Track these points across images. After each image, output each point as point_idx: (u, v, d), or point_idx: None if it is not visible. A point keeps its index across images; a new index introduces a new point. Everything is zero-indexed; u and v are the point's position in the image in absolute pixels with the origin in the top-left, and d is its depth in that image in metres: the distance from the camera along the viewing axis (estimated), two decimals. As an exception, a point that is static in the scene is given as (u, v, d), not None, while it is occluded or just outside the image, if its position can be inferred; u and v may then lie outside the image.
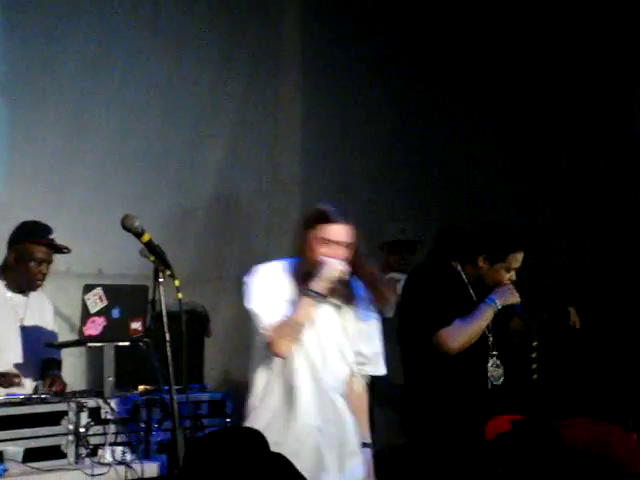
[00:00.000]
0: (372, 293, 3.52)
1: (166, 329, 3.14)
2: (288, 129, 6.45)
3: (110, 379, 3.86)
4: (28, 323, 4.44)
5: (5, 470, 3.45)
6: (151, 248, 3.20)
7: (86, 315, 3.97)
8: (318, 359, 3.50)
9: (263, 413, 3.50)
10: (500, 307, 4.00)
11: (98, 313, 3.97)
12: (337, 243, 3.42)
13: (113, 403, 3.78)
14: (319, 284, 3.39)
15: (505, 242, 4.04)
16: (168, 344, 3.13)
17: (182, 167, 5.92)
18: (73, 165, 5.42)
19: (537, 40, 6.84)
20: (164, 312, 3.15)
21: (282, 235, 6.19)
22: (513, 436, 3.54)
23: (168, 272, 3.22)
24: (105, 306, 3.98)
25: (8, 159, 5.29)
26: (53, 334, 4.52)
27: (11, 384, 4.14)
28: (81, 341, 4.06)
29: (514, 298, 4.02)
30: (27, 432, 3.58)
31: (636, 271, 6.43)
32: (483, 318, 4.00)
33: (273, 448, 2.26)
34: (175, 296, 3.26)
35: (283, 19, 6.47)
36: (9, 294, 4.42)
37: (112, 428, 3.74)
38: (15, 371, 4.27)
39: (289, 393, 3.49)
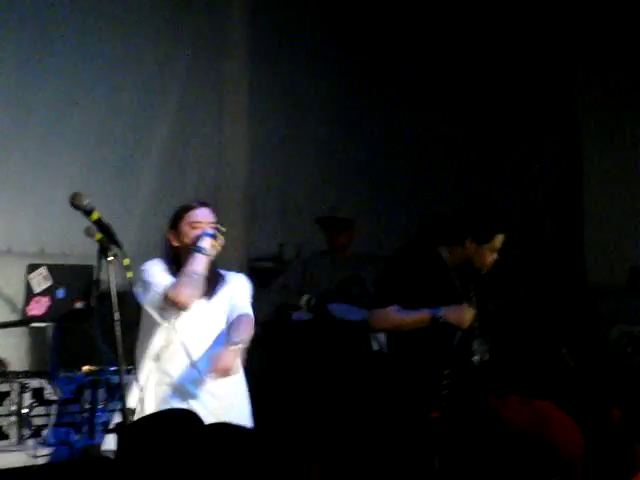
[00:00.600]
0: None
1: (115, 308, 3.10)
2: (234, 110, 6.40)
3: (54, 359, 3.81)
4: None
5: (-53, 451, 3.40)
6: (101, 226, 3.15)
7: (30, 295, 3.91)
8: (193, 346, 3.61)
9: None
10: (441, 321, 4.00)
11: (42, 293, 3.91)
12: (205, 223, 3.72)
13: (57, 383, 3.73)
14: (204, 242, 3.65)
15: (491, 223, 4.09)
16: (117, 323, 3.09)
17: (126, 145, 5.84)
18: (14, 142, 5.31)
19: (486, 30, 6.89)
20: (114, 291, 3.11)
21: (225, 214, 6.16)
22: (448, 414, 3.58)
23: (114, 251, 3.17)
24: (49, 286, 3.92)
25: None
26: None
27: None
28: (25, 321, 4.00)
29: (463, 323, 4.02)
30: (-31, 413, 3.52)
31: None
32: (419, 321, 4.00)
33: None
34: (123, 275, 3.22)
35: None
36: None
37: (56, 409, 3.69)
38: None
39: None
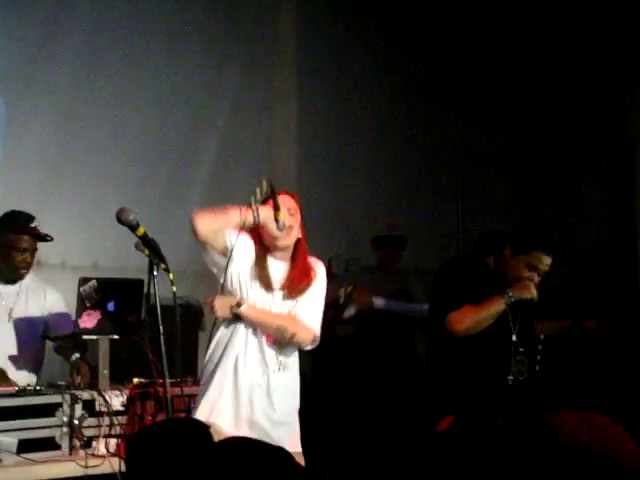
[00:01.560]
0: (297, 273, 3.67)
1: (160, 322, 3.15)
2: (283, 123, 6.46)
3: (105, 372, 3.87)
4: (18, 313, 4.42)
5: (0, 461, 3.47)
6: (146, 241, 3.21)
7: (81, 308, 3.97)
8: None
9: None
10: (513, 299, 4.04)
11: (93, 306, 3.98)
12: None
13: (107, 395, 3.79)
14: (266, 213, 3.57)
15: (532, 237, 4.10)
16: (162, 337, 3.15)
17: (177, 160, 5.93)
18: (68, 157, 5.43)
19: (534, 41, 6.84)
20: (158, 305, 3.16)
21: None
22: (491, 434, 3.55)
23: (163, 266, 3.23)
24: (100, 299, 3.99)
25: (3, 151, 5.29)
26: (56, 319, 4.45)
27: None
28: (76, 334, 4.07)
29: (529, 293, 4.05)
30: (21, 423, 3.59)
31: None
32: (493, 305, 4.04)
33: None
34: (170, 290, 3.27)
35: (279, 13, 6.48)
36: None
37: (106, 420, 3.75)
38: (8, 364, 4.27)
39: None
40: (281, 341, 3.58)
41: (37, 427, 3.63)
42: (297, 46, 6.49)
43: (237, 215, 3.54)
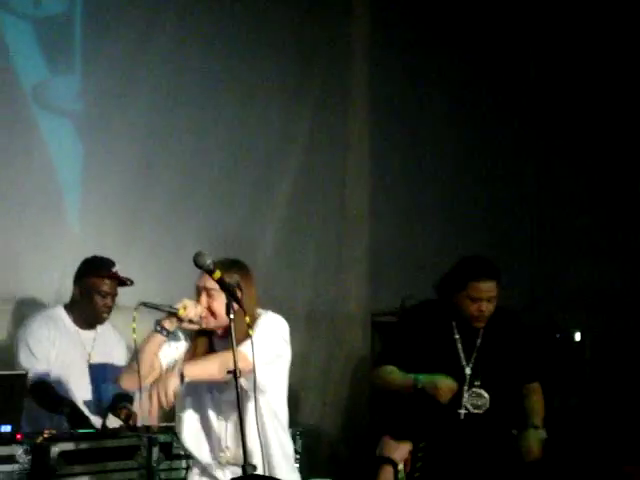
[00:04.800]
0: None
1: (238, 366, 3.16)
2: (357, 165, 6.48)
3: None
4: (96, 358, 4.51)
5: (79, 504, 3.51)
6: (223, 285, 3.23)
7: (157, 350, 3.99)
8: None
9: None
10: (419, 387, 4.00)
11: (170, 348, 3.99)
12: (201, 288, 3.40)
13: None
14: (169, 322, 3.38)
15: (464, 270, 4.06)
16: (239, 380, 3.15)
17: (252, 204, 5.98)
18: (144, 201, 5.51)
19: (609, 61, 6.75)
20: (234, 347, 3.17)
21: (348, 269, 6.21)
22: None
23: (239, 309, 3.24)
24: (177, 341, 4.00)
25: (81, 195, 5.40)
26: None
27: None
28: (153, 376, 4.09)
29: (439, 396, 3.97)
30: (100, 466, 3.63)
31: None
32: (400, 385, 4.05)
33: None
34: (245, 331, 3.28)
35: (352, 54, 6.53)
36: (77, 329, 4.50)
37: (183, 463, 3.77)
38: (84, 409, 4.33)
39: None
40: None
41: (116, 470, 3.65)
42: (370, 85, 6.53)
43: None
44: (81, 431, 3.90)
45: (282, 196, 6.11)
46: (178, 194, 5.63)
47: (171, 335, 3.41)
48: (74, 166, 5.36)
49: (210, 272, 3.22)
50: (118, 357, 4.58)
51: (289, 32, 6.17)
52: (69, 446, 3.59)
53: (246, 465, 3.09)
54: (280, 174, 6.11)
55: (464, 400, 4.04)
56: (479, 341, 4.11)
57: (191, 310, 3.35)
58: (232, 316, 3.19)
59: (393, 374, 4.07)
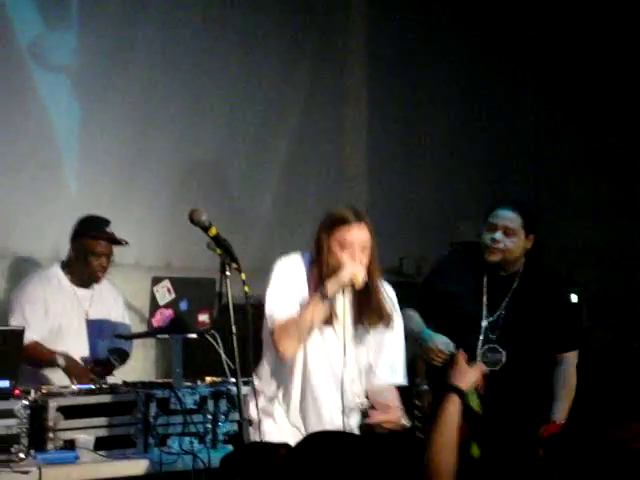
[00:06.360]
0: (369, 305, 3.42)
1: (233, 322, 3.17)
2: (353, 125, 6.47)
3: (178, 370, 3.92)
4: (93, 316, 4.55)
5: (77, 458, 3.54)
6: (218, 242, 3.23)
7: (154, 307, 4.02)
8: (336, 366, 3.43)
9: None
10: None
11: (166, 305, 4.02)
12: (355, 244, 3.34)
13: (181, 394, 3.84)
14: (333, 286, 3.32)
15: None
16: (235, 337, 3.17)
17: (248, 162, 5.98)
18: (141, 159, 5.51)
19: (608, 36, 6.71)
20: (231, 305, 3.18)
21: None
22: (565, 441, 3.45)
23: (235, 265, 3.25)
24: (173, 298, 4.03)
25: (78, 154, 5.40)
26: (123, 325, 4.61)
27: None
28: (149, 333, 4.12)
29: (428, 358, 3.86)
30: (98, 421, 3.65)
31: None
32: (408, 331, 3.77)
33: None
34: (242, 289, 3.29)
35: (349, 15, 6.49)
36: (74, 288, 4.52)
37: (180, 418, 3.80)
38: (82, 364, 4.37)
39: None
40: None
41: (113, 425, 3.68)
42: (367, 46, 6.49)
43: (309, 313, 3.32)
44: (79, 386, 3.93)
45: (280, 152, 6.10)
46: (175, 151, 5.62)
47: None
48: (71, 124, 5.36)
49: (206, 228, 3.23)
50: (115, 314, 4.62)
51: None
52: (67, 401, 3.62)
53: (242, 420, 3.11)
54: (278, 131, 6.10)
55: (477, 353, 3.85)
56: (509, 295, 3.92)
57: (361, 275, 3.30)
58: (228, 273, 3.19)
59: (411, 321, 3.89)
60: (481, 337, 3.88)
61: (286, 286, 3.40)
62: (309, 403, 3.42)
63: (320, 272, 3.35)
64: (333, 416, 3.40)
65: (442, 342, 3.83)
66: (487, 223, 3.91)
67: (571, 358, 3.99)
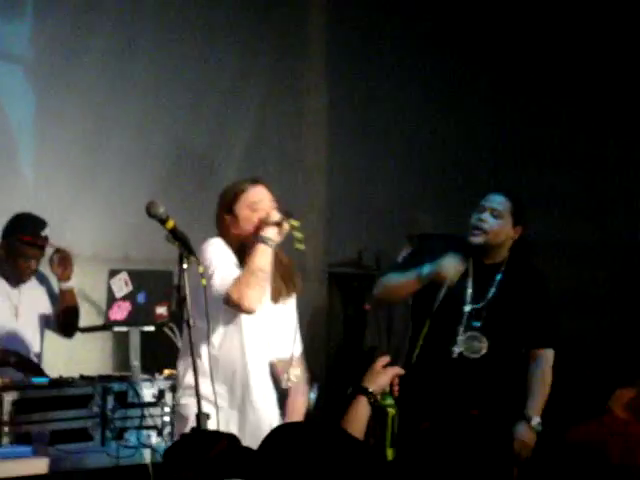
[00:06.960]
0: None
1: (189, 315, 3.17)
2: (313, 115, 6.46)
3: (136, 363, 3.90)
4: (21, 313, 4.38)
5: (33, 452, 3.51)
6: (175, 234, 3.22)
7: (112, 299, 4.00)
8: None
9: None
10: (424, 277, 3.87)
11: (124, 298, 4.01)
12: (265, 200, 3.45)
13: (138, 387, 3.82)
14: (269, 231, 3.38)
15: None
16: (191, 329, 3.16)
17: (208, 152, 5.95)
18: (99, 150, 5.46)
19: (569, 26, 6.74)
20: (188, 298, 3.17)
21: (304, 220, 6.19)
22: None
23: (192, 258, 3.24)
24: (130, 291, 4.02)
25: (34, 144, 5.34)
26: (48, 323, 4.45)
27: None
28: (107, 325, 4.10)
29: (441, 276, 3.83)
30: (54, 415, 3.63)
31: None
32: (399, 284, 3.89)
33: None
34: (198, 282, 3.28)
35: (309, 4, 6.48)
36: (3, 282, 4.37)
37: (137, 412, 3.78)
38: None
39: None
40: None
41: (69, 418, 3.65)
42: (327, 36, 6.48)
43: (259, 259, 3.36)
44: (35, 380, 3.89)
45: (239, 145, 6.08)
46: (134, 142, 5.58)
47: None
48: (26, 114, 5.29)
49: (163, 221, 3.21)
50: (44, 307, 4.46)
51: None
52: (22, 394, 3.59)
53: (200, 414, 3.11)
54: (237, 123, 6.07)
55: (458, 340, 3.82)
56: (495, 285, 3.88)
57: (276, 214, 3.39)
58: (185, 266, 3.18)
59: (393, 278, 3.87)
60: (463, 322, 3.86)
61: (225, 255, 3.44)
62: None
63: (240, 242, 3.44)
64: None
65: (451, 257, 3.80)
66: (478, 207, 3.91)
67: (548, 356, 3.98)
